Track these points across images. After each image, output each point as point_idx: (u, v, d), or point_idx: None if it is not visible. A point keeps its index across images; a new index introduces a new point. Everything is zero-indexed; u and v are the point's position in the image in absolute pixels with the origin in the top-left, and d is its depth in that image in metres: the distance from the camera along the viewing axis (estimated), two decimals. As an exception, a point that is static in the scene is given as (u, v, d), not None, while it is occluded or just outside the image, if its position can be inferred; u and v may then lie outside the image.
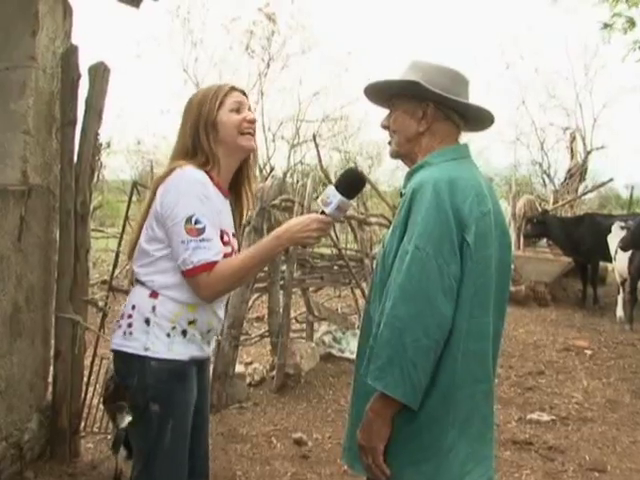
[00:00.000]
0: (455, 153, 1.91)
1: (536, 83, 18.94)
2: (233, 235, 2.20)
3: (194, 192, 1.97)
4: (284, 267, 5.62)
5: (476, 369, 1.78)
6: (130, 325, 2.05)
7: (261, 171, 16.47)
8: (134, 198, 4.40)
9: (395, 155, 2.00)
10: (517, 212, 11.75)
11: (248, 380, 5.46)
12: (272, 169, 13.76)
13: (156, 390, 2.01)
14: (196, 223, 1.94)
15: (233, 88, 2.16)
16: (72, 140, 3.49)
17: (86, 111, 3.51)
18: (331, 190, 1.97)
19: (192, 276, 1.97)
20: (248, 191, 2.28)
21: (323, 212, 1.98)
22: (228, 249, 2.07)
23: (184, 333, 2.05)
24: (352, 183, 1.99)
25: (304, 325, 6.92)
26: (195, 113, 2.10)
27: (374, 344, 1.72)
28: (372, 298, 1.91)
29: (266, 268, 5.37)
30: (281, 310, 5.49)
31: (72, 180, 3.47)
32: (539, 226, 10.54)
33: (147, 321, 2.03)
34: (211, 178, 2.07)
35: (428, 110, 1.89)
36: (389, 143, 2.00)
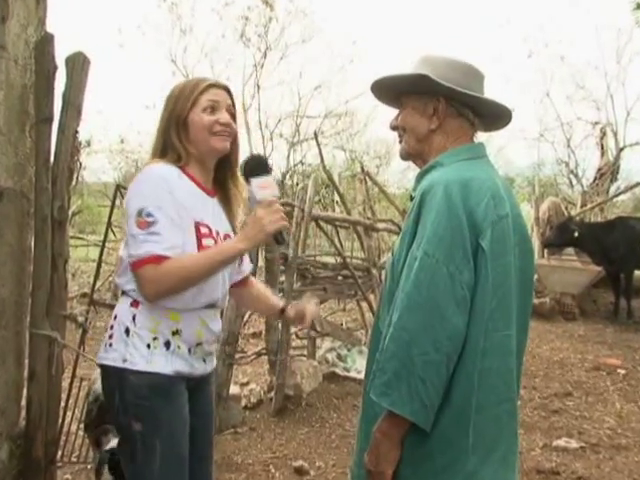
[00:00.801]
0: (469, 152, 1.93)
1: (562, 73, 18.98)
2: (226, 236, 2.25)
3: (150, 185, 2.04)
4: (283, 277, 5.62)
5: (500, 388, 1.78)
6: (111, 336, 2.11)
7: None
8: (117, 202, 4.41)
9: (405, 156, 2.03)
10: (541, 216, 11.76)
11: (244, 402, 5.46)
12: (270, 170, 13.75)
13: (137, 407, 2.03)
14: (148, 216, 2.00)
15: (212, 85, 2.20)
16: (48, 139, 3.48)
17: (63, 107, 3.51)
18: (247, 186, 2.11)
19: (137, 269, 2.01)
20: (235, 191, 2.35)
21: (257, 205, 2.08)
22: (210, 242, 2.12)
23: (167, 345, 2.08)
24: (248, 164, 2.11)
25: (305, 341, 6.92)
26: (169, 109, 2.18)
27: (380, 358, 1.73)
28: (381, 311, 1.92)
29: (264, 278, 5.37)
30: (280, 325, 5.49)
31: (48, 183, 3.47)
32: (563, 234, 10.45)
33: (127, 331, 2.08)
34: (189, 175, 2.16)
35: (439, 106, 1.91)
36: (400, 142, 2.02)
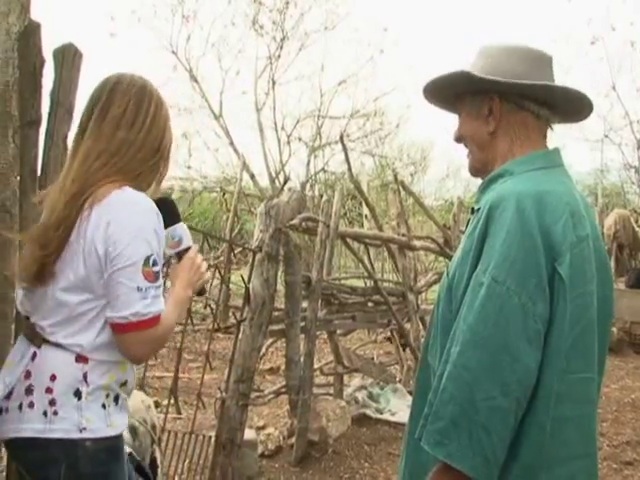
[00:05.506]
0: (544, 160, 1.92)
1: (632, 61, 18.84)
2: None
3: (151, 225, 2.01)
4: (305, 304, 5.59)
5: (573, 441, 1.76)
6: (53, 402, 2.01)
7: (273, 182, 16.57)
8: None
9: (474, 171, 2.05)
10: (606, 232, 11.67)
11: (260, 449, 5.43)
12: (287, 179, 13.79)
13: (94, 477, 2.03)
14: (154, 265, 1.99)
15: None
16: (35, 145, 3.50)
17: (52, 107, 3.52)
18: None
19: (146, 329, 1.99)
20: None
21: (179, 254, 2.19)
22: None
23: (116, 399, 2.09)
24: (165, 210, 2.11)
25: (331, 379, 6.90)
26: (165, 130, 2.20)
27: (434, 400, 1.71)
28: (431, 343, 1.92)
29: (283, 306, 5.35)
30: (302, 359, 5.47)
31: (36, 196, 3.48)
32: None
33: (77, 393, 2.01)
34: None
35: (493, 104, 1.91)
36: (468, 157, 2.04)
